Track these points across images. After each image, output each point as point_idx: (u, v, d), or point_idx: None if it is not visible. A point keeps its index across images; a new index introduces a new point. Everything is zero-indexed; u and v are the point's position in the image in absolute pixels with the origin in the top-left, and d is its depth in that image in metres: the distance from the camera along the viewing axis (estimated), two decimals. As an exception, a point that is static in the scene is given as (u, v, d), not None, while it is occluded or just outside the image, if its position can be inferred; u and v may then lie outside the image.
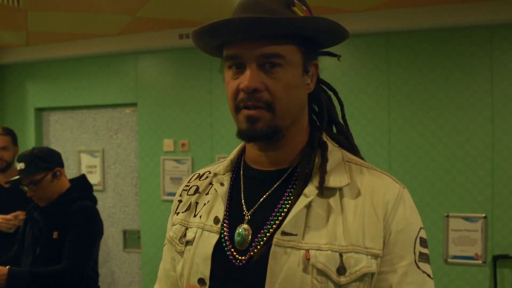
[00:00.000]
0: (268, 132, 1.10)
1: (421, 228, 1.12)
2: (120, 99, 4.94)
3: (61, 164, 2.95)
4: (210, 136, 4.58)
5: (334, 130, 1.28)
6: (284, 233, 1.07)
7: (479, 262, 3.75)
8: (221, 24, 1.07)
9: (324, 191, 1.10)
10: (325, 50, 1.26)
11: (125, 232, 5.08)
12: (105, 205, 5.16)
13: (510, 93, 3.72)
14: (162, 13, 4.03)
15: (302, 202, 1.09)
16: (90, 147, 5.23)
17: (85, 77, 5.08)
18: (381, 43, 3.98)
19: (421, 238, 1.11)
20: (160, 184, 4.77)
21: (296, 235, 1.07)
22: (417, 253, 1.09)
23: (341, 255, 1.04)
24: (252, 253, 1.10)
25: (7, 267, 2.62)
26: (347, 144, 1.24)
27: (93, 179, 5.17)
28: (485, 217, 3.74)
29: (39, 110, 5.41)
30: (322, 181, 1.10)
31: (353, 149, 1.24)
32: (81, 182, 3.07)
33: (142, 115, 4.83)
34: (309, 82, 1.17)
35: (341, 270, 1.03)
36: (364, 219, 1.07)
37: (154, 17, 4.14)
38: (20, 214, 3.33)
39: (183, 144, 4.66)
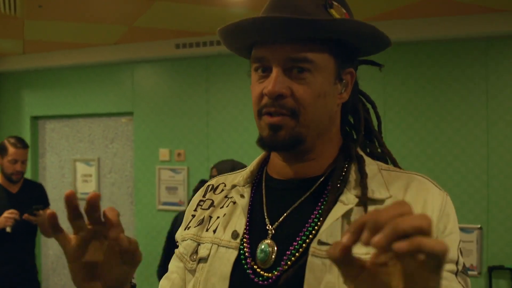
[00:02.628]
0: (290, 141, 1.02)
1: (460, 240, 1.03)
2: (116, 108, 4.94)
3: None
4: (206, 146, 4.57)
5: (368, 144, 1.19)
6: (320, 243, 0.97)
7: (475, 273, 3.75)
8: (247, 23, 1.00)
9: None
10: (365, 58, 1.18)
11: (120, 242, 5.05)
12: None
13: (505, 104, 3.74)
14: (158, 23, 4.04)
15: (340, 209, 1.00)
16: (85, 156, 5.22)
17: (82, 86, 5.08)
18: (377, 54, 3.99)
19: (460, 249, 1.03)
20: (155, 193, 4.75)
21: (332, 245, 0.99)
22: (461, 264, 1.01)
23: None
24: (280, 269, 1.00)
25: None
26: (382, 155, 1.16)
27: (88, 188, 5.17)
28: (480, 228, 3.74)
29: (35, 119, 5.40)
30: (364, 194, 1.01)
31: (394, 164, 1.16)
32: None
33: (138, 124, 4.83)
34: (342, 91, 1.07)
35: None
36: None
37: (151, 27, 4.15)
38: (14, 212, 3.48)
39: (179, 154, 4.65)
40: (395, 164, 1.16)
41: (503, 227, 3.74)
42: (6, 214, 3.45)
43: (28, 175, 5.27)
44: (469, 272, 3.66)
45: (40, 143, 5.44)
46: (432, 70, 3.90)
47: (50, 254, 5.38)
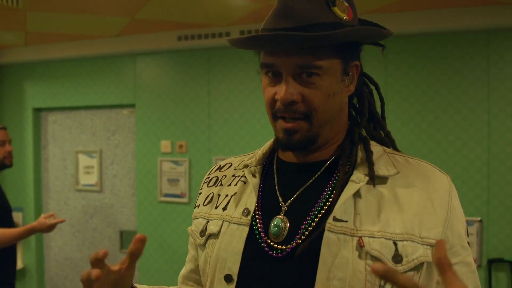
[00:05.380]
0: (305, 142, 1.10)
1: (464, 219, 1.14)
2: (118, 100, 4.95)
3: None
4: (208, 138, 4.59)
5: (371, 127, 1.26)
6: (335, 219, 1.04)
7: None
8: (257, 39, 1.07)
9: (375, 179, 1.08)
10: None
11: (122, 233, 5.09)
12: (102, 206, 5.17)
13: (506, 96, 3.74)
14: (160, 15, 4.05)
15: (351, 188, 1.07)
16: (87, 147, 5.24)
17: (84, 77, 5.09)
18: (378, 47, 3.98)
19: (466, 228, 1.13)
20: (157, 185, 4.77)
21: (346, 221, 1.04)
22: (468, 243, 1.12)
23: (395, 243, 1.02)
24: (295, 243, 1.07)
25: None
26: (385, 139, 1.24)
27: (91, 179, 5.19)
28: (480, 221, 3.76)
29: (37, 110, 5.42)
30: (371, 169, 1.08)
31: (392, 144, 1.24)
32: None
33: (140, 116, 4.84)
34: (349, 84, 1.15)
35: (398, 258, 1.01)
36: (420, 209, 1.06)
37: (153, 19, 4.15)
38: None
39: (180, 146, 4.67)
40: (393, 145, 1.24)
41: (504, 220, 3.76)
42: (55, 220, 3.26)
43: (30, 166, 5.31)
44: (469, 264, 3.69)
45: (42, 135, 5.45)
46: (433, 62, 3.91)
47: (53, 246, 5.41)
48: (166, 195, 4.73)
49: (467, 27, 3.76)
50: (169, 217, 4.73)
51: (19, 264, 5.28)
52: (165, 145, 4.73)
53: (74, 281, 5.32)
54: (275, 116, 1.11)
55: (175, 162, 4.69)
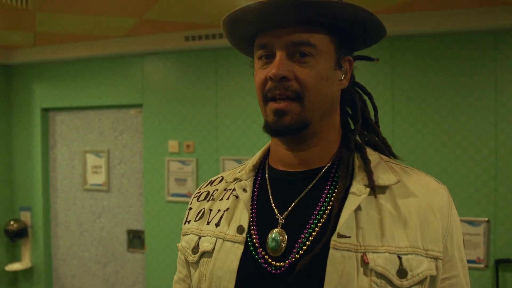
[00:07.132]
0: (296, 126, 1.04)
1: (461, 232, 1.11)
2: (126, 100, 4.97)
3: None
4: (215, 138, 4.60)
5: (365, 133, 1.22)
6: (339, 235, 1.00)
7: (482, 266, 3.76)
8: (253, 7, 1.03)
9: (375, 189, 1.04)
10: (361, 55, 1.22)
11: (129, 232, 5.11)
12: (109, 205, 5.19)
13: (514, 98, 3.74)
14: (168, 16, 4.06)
15: (353, 201, 1.03)
16: (95, 147, 5.26)
17: (92, 78, 5.12)
18: (385, 47, 3.99)
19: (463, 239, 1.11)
20: (164, 185, 4.79)
21: (350, 237, 1.00)
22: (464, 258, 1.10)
23: (399, 257, 0.99)
24: (293, 257, 1.02)
25: None
26: (380, 144, 1.20)
27: (98, 179, 5.21)
28: (487, 221, 3.75)
29: (46, 110, 5.45)
30: (371, 179, 1.04)
31: (389, 150, 1.20)
32: None
33: (148, 116, 4.86)
34: (342, 78, 1.11)
35: (402, 272, 0.98)
36: (422, 219, 1.02)
37: (161, 20, 4.17)
38: None
39: (188, 146, 4.68)
40: (390, 150, 1.20)
41: (511, 220, 3.75)
42: None
43: (38, 166, 5.34)
44: (476, 265, 3.70)
45: (50, 134, 5.49)
46: (440, 63, 3.90)
47: (60, 245, 5.44)
48: (174, 195, 4.75)
49: (474, 28, 3.76)
50: (176, 217, 4.74)
51: (27, 263, 5.32)
52: (172, 145, 4.74)
53: (81, 281, 5.35)
54: (265, 98, 1.07)
55: (183, 162, 4.71)
